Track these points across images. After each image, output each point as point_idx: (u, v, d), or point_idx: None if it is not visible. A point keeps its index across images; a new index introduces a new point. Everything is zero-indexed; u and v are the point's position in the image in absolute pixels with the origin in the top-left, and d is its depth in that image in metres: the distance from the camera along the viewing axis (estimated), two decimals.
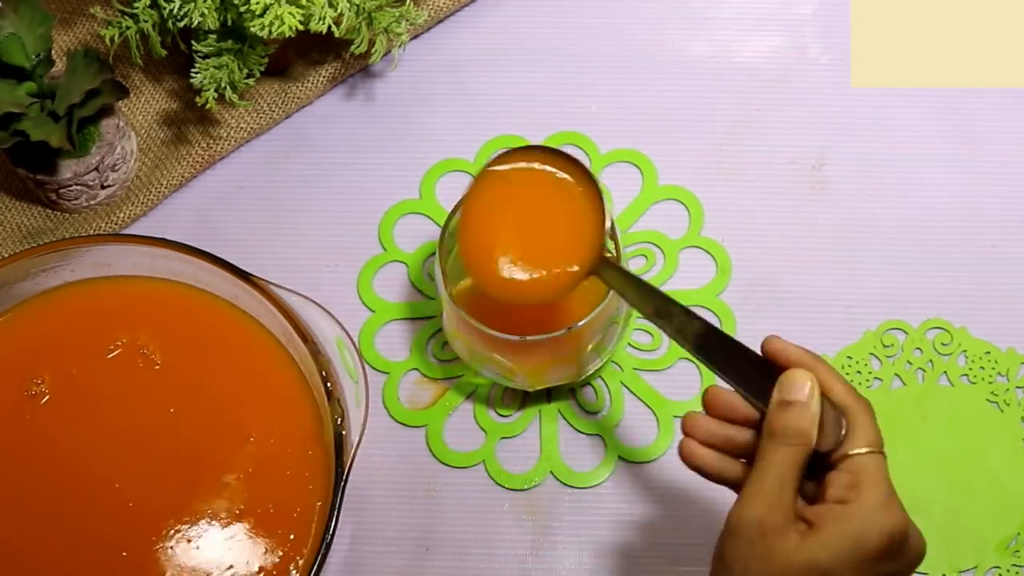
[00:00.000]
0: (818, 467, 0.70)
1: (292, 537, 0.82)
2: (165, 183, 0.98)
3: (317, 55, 1.01)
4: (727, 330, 0.94)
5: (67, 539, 0.82)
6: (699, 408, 0.91)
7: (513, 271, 0.80)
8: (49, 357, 0.87)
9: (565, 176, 0.81)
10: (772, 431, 0.69)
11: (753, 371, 0.72)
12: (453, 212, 0.86)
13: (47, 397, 0.85)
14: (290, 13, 0.90)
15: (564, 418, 0.92)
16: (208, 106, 0.94)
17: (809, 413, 0.69)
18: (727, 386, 0.74)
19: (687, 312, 0.75)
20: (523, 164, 0.82)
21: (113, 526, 0.83)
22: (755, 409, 0.72)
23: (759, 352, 0.73)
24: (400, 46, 1.00)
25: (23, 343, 0.87)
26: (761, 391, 0.71)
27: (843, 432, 0.69)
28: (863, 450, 0.68)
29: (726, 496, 0.90)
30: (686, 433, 0.74)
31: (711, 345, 0.73)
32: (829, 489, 0.69)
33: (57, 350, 0.87)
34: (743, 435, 0.73)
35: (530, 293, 0.80)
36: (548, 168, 0.82)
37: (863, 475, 0.68)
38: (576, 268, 0.80)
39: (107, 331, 0.87)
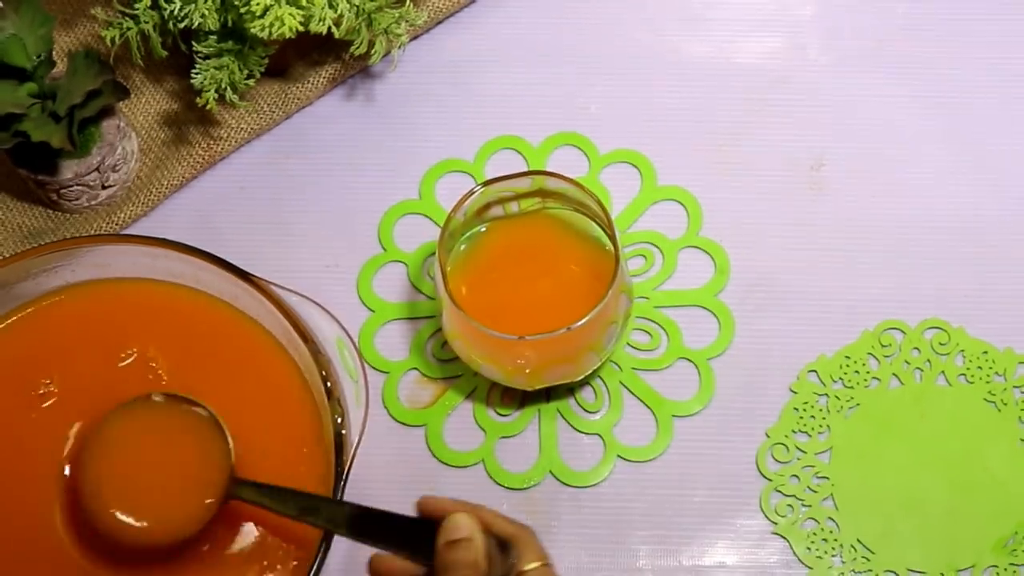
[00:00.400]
0: None
1: (292, 533, 0.82)
2: (166, 183, 0.98)
3: (317, 56, 1.01)
4: (725, 330, 0.94)
5: (70, 538, 0.83)
6: (689, 410, 0.92)
7: (143, 519, 0.80)
8: (57, 360, 0.87)
9: (180, 406, 0.82)
10: (444, 567, 0.72)
11: (413, 533, 0.74)
12: (453, 212, 0.87)
13: (55, 399, 0.86)
14: (290, 14, 0.90)
15: (563, 417, 0.93)
16: (208, 107, 0.94)
17: (473, 546, 0.72)
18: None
19: (333, 502, 0.78)
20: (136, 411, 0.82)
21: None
22: (422, 566, 0.75)
23: (415, 514, 0.76)
24: (400, 47, 1.00)
25: (30, 345, 0.87)
26: (425, 549, 0.73)
27: (513, 558, 0.73)
28: (534, 565, 0.73)
29: (726, 496, 0.90)
30: None
31: (366, 524, 0.76)
32: None
33: (64, 354, 0.87)
34: None
35: (164, 536, 0.80)
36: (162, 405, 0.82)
37: None
38: (211, 500, 0.80)
39: (113, 337, 0.87)
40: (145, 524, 0.80)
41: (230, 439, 0.81)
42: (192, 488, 0.80)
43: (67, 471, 0.83)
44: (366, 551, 0.89)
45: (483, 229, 0.91)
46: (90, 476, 0.80)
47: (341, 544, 0.89)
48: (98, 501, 0.80)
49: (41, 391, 0.86)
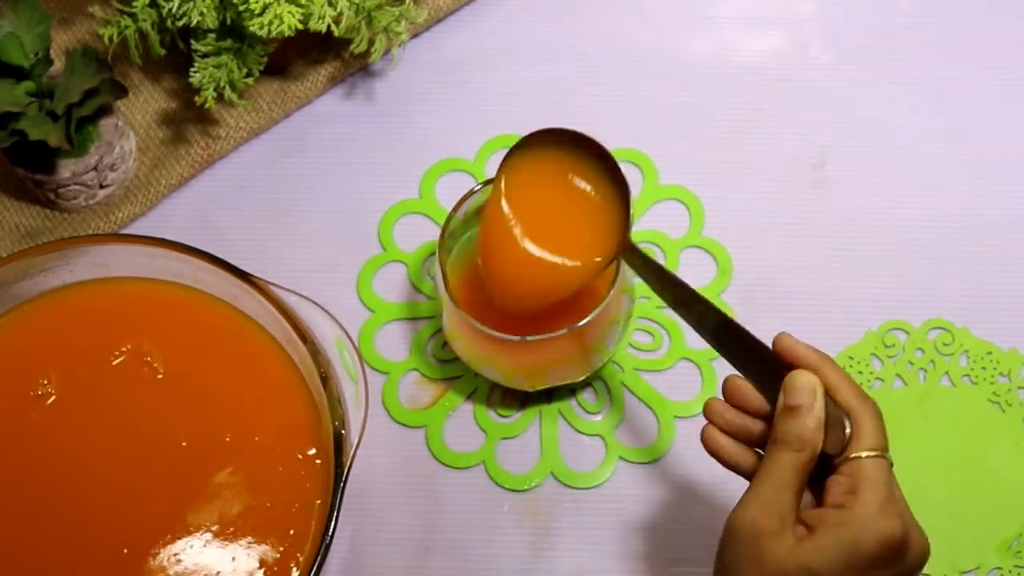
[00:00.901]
0: (826, 469, 0.70)
1: (292, 532, 0.82)
2: (164, 183, 0.98)
3: (316, 54, 1.01)
4: None
5: (69, 537, 0.82)
6: (692, 411, 0.92)
7: (540, 264, 0.82)
8: (54, 359, 0.87)
9: (585, 164, 0.83)
10: (775, 436, 0.70)
11: (766, 367, 0.72)
12: (453, 211, 0.86)
13: (53, 398, 0.85)
14: (289, 12, 0.90)
15: (564, 419, 0.92)
16: (207, 105, 0.94)
17: (812, 419, 0.69)
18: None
19: (708, 304, 0.76)
20: (547, 152, 0.84)
21: (115, 524, 0.82)
22: (767, 402, 0.73)
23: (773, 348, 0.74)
24: (400, 45, 1.00)
25: (27, 344, 0.87)
26: (772, 387, 0.71)
27: (847, 435, 0.69)
28: (864, 454, 0.69)
29: (727, 497, 0.90)
30: (706, 417, 0.75)
31: (727, 336, 0.74)
32: (829, 493, 0.69)
33: (62, 353, 0.87)
34: (757, 426, 0.74)
35: (557, 287, 0.82)
36: (570, 156, 0.84)
37: (862, 480, 0.68)
38: (599, 258, 0.81)
39: (111, 335, 0.87)
40: (556, 269, 0.81)
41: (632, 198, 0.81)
42: (593, 236, 0.81)
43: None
44: (366, 553, 0.89)
45: None
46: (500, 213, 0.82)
47: (341, 545, 0.89)
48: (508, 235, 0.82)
49: (39, 392, 0.85)
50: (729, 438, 0.74)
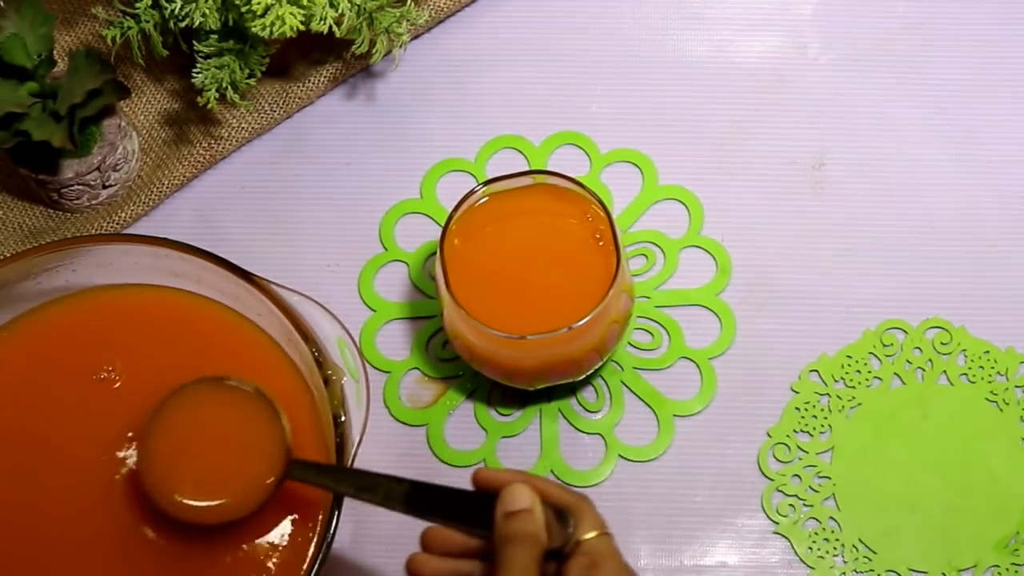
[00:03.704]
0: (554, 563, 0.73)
1: (292, 531, 0.82)
2: (166, 183, 0.98)
3: (318, 55, 1.01)
4: (727, 330, 0.94)
5: (76, 536, 0.83)
6: (691, 410, 0.92)
7: (207, 499, 0.81)
8: (120, 349, 0.87)
9: (232, 388, 0.83)
10: (505, 537, 0.72)
11: (470, 507, 0.74)
12: (454, 211, 0.87)
13: (119, 383, 0.86)
14: (291, 13, 0.90)
15: (564, 417, 0.93)
16: (209, 106, 0.94)
17: (533, 518, 0.72)
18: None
19: (391, 478, 0.77)
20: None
21: (123, 517, 0.83)
22: (478, 539, 0.74)
23: (471, 487, 0.75)
24: (401, 46, 1.00)
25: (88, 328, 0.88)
26: (481, 522, 0.73)
27: (571, 527, 0.73)
28: (592, 534, 0.73)
29: (726, 495, 0.90)
30: (411, 574, 0.76)
31: (422, 500, 0.75)
32: (571, 573, 0.72)
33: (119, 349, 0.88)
34: (466, 565, 0.75)
35: (226, 515, 0.81)
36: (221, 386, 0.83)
37: (598, 555, 0.72)
38: (271, 479, 0.81)
39: (97, 350, 0.88)
40: (209, 504, 0.80)
41: (285, 420, 0.82)
42: (252, 468, 0.81)
43: (123, 454, 0.84)
44: (366, 553, 0.89)
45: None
46: (153, 459, 0.81)
47: (341, 545, 0.89)
48: (163, 485, 0.81)
49: (103, 375, 0.86)
50: None
